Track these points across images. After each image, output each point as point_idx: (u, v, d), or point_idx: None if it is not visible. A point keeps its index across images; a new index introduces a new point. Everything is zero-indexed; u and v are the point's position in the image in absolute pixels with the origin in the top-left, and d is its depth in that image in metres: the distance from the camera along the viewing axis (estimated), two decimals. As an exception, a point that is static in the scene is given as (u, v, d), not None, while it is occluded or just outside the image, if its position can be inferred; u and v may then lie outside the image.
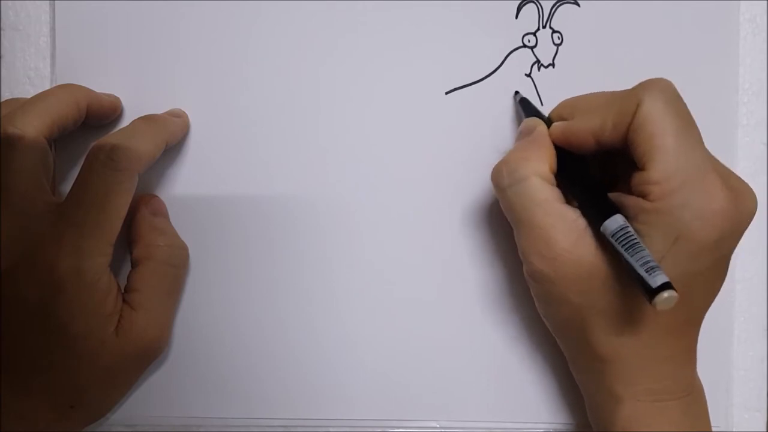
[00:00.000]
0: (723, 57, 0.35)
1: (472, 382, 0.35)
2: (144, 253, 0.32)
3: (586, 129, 0.29)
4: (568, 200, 0.29)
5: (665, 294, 0.25)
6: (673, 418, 0.29)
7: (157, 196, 0.34)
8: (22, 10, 0.35)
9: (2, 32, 0.35)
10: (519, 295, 0.35)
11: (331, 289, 0.35)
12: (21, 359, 0.30)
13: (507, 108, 0.35)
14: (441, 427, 0.35)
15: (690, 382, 0.30)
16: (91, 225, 0.29)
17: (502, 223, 0.34)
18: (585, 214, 0.29)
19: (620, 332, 0.29)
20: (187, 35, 0.35)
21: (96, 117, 0.33)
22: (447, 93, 0.35)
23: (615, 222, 0.27)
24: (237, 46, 0.35)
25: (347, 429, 0.35)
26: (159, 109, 0.34)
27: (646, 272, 0.25)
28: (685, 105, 0.28)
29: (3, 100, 0.34)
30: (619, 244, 0.26)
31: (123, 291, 0.31)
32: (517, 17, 0.35)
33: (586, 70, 0.35)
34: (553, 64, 0.35)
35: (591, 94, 0.32)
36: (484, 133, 0.35)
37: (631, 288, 0.27)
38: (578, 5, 0.35)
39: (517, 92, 0.35)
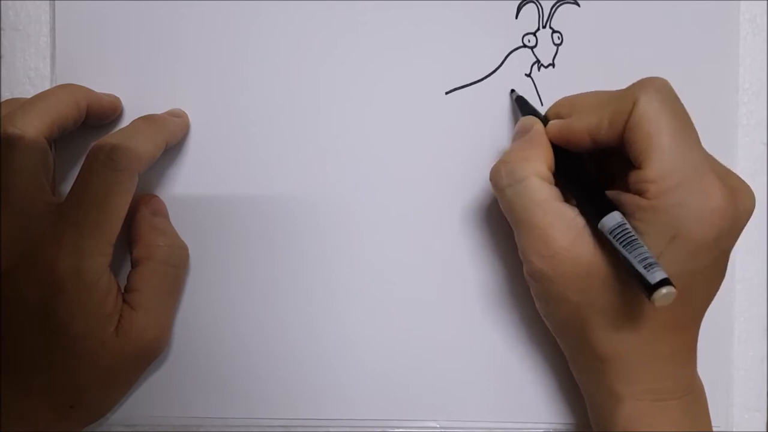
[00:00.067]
0: (723, 57, 0.36)
1: (472, 382, 0.35)
2: (144, 253, 0.32)
3: (582, 127, 0.29)
4: (567, 198, 0.29)
5: (664, 290, 0.25)
6: (674, 417, 0.29)
7: (157, 196, 0.34)
8: (22, 10, 0.35)
9: (2, 32, 0.35)
10: (519, 295, 0.35)
11: (331, 289, 0.35)
12: (21, 359, 0.30)
13: (507, 108, 0.35)
14: (441, 427, 0.35)
15: (690, 382, 0.30)
16: (91, 225, 0.29)
17: (502, 223, 0.34)
18: (583, 212, 0.29)
19: (620, 330, 0.28)
20: (187, 35, 0.35)
21: (96, 117, 0.33)
22: (447, 93, 0.35)
23: (613, 219, 0.27)
24: (237, 46, 0.35)
25: (347, 429, 0.35)
26: (159, 109, 0.34)
27: (645, 268, 0.25)
28: (681, 103, 0.28)
29: (3, 100, 0.34)
30: (617, 241, 0.26)
31: (123, 291, 0.31)
32: (517, 17, 0.35)
33: (586, 70, 0.35)
34: (553, 64, 0.35)
35: (588, 92, 0.32)
36: (483, 133, 0.35)
37: (631, 286, 0.27)
38: (578, 5, 0.35)
39: (513, 90, 0.35)
